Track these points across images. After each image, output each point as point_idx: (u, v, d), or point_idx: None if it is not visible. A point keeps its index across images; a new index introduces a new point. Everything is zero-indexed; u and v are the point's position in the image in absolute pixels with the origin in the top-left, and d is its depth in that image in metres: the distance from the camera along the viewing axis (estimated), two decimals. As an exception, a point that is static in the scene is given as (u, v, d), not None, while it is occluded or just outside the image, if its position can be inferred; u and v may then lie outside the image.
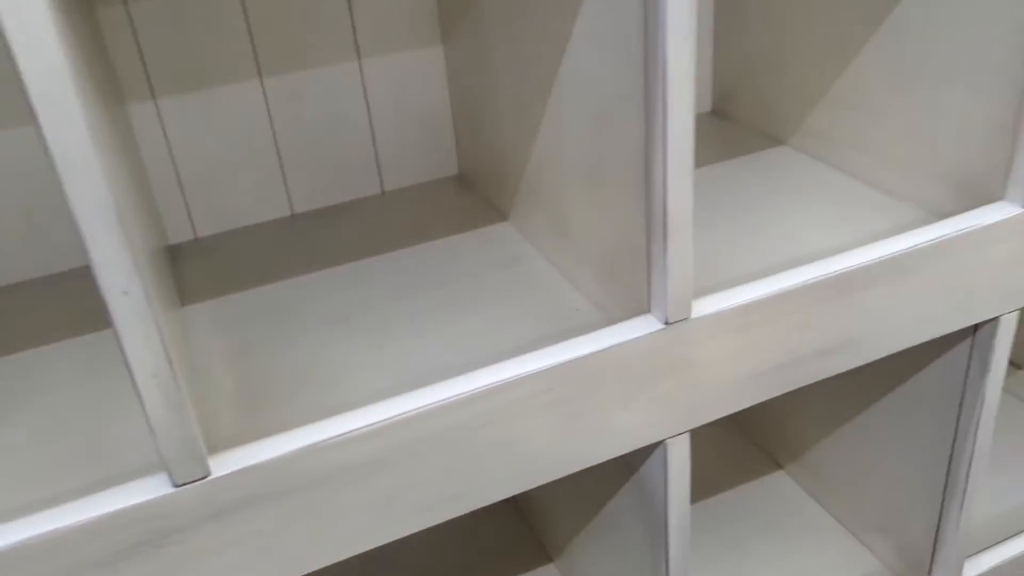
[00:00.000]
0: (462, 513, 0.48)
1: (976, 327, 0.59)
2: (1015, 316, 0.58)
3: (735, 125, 0.80)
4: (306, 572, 0.44)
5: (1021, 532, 0.78)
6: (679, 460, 0.51)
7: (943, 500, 0.68)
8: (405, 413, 0.43)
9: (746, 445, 0.92)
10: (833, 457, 0.79)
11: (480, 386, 0.44)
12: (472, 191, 0.72)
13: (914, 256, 0.52)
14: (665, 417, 0.49)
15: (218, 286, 0.62)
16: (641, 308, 0.48)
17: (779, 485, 0.87)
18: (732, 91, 0.80)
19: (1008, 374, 0.97)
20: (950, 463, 0.66)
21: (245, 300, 0.60)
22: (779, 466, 0.89)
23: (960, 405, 0.63)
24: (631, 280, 0.49)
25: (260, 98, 0.65)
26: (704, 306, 0.48)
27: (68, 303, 0.61)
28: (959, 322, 0.57)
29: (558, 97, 0.52)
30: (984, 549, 0.77)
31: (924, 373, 0.65)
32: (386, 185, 0.73)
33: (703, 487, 0.88)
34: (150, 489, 0.38)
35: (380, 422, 0.43)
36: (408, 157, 0.72)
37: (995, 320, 0.58)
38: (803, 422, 0.82)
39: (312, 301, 0.59)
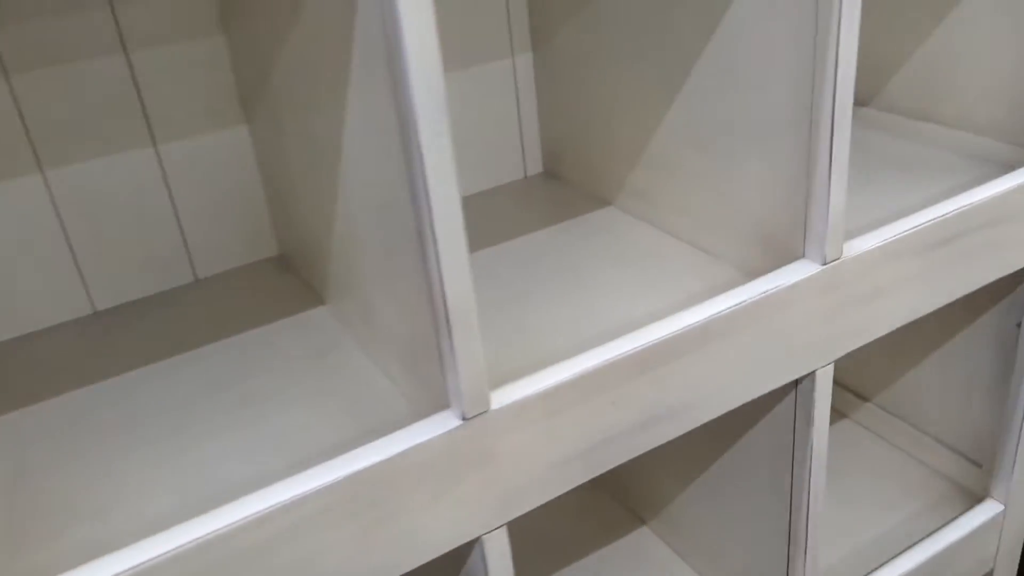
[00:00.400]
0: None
1: (796, 382, 0.59)
2: (830, 369, 0.59)
3: (565, 186, 0.80)
4: None
5: (874, 570, 0.79)
6: (498, 555, 0.49)
7: (788, 550, 0.68)
8: (184, 545, 0.39)
9: (610, 502, 0.91)
10: (691, 511, 0.79)
11: (271, 505, 0.41)
12: (291, 273, 0.69)
13: (721, 321, 0.52)
14: (476, 514, 0.47)
15: (1, 400, 0.56)
16: (443, 403, 0.46)
17: (643, 541, 0.85)
18: (560, 152, 0.80)
19: (856, 407, 0.99)
20: (791, 512, 0.66)
21: (32, 415, 0.55)
22: (643, 522, 0.87)
23: (792, 456, 0.63)
24: (430, 374, 0.46)
25: (43, 192, 0.60)
26: (505, 396, 0.46)
27: None
28: (776, 380, 0.57)
29: (345, 184, 0.49)
30: (839, 591, 0.77)
31: (757, 428, 0.65)
32: (199, 272, 0.69)
33: (568, 549, 0.86)
34: None
35: (154, 558, 0.39)
36: (222, 241, 0.69)
37: (812, 374, 0.58)
38: (661, 477, 0.81)
39: (107, 409, 0.54)
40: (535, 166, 0.83)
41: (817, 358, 0.58)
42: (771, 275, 0.54)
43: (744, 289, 0.53)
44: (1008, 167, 0.73)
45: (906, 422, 0.94)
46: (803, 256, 0.55)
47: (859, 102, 0.86)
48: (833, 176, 0.51)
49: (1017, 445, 0.79)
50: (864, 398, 1.00)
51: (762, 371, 0.55)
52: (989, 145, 0.75)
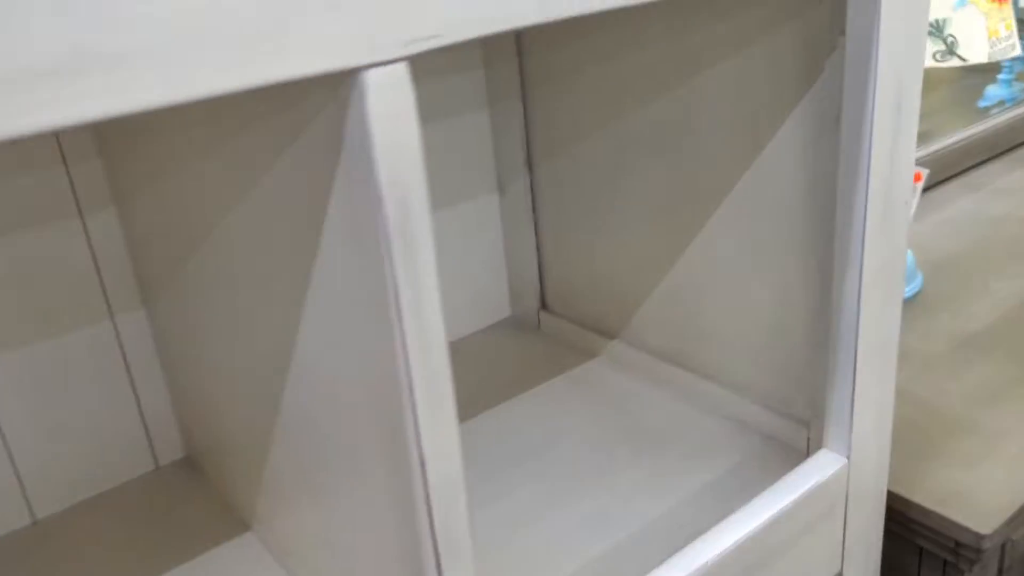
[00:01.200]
0: None
1: None
2: None
3: (200, 487, 0.57)
4: None
5: None
6: None
7: None
8: None
9: None
10: None
11: None
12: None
13: None
14: None
15: None
16: None
17: None
18: (195, 440, 0.58)
19: None
20: None
21: None
22: None
23: None
24: None
25: None
26: None
27: None
28: None
29: None
30: None
31: None
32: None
33: None
34: None
35: None
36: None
37: None
38: None
39: None
40: (172, 451, 0.60)
41: None
42: None
43: None
44: (768, 438, 0.57)
45: None
46: None
47: (608, 334, 0.70)
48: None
49: None
50: None
51: None
52: (746, 409, 0.59)
